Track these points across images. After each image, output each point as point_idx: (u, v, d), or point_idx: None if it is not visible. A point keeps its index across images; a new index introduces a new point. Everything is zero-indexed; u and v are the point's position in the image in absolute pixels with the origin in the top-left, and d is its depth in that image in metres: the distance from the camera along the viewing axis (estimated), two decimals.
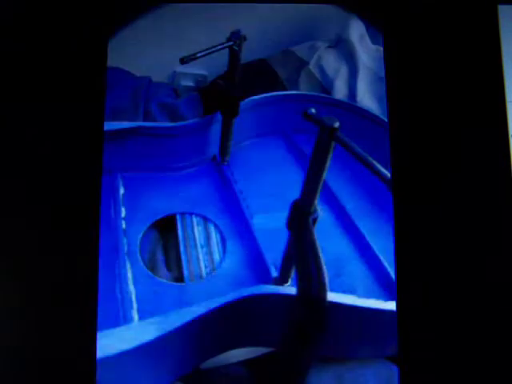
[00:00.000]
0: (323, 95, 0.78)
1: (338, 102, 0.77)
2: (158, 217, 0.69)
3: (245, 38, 0.68)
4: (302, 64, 0.80)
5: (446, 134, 0.64)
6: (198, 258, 0.66)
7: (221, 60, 0.70)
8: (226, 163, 0.78)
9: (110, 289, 0.59)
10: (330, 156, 0.47)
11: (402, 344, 0.57)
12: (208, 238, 0.68)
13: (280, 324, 0.53)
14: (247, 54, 0.71)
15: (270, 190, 0.74)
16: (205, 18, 0.73)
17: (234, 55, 0.68)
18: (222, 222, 0.70)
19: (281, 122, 0.82)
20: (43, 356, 0.57)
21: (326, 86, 0.78)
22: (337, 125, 0.45)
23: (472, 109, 0.64)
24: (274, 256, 0.63)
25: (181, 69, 0.76)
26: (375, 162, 0.44)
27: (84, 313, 0.57)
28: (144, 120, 0.75)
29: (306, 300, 0.48)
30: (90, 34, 0.65)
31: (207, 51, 0.66)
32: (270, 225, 0.67)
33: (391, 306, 0.57)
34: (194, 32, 0.74)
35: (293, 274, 0.59)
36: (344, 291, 0.61)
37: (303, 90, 0.79)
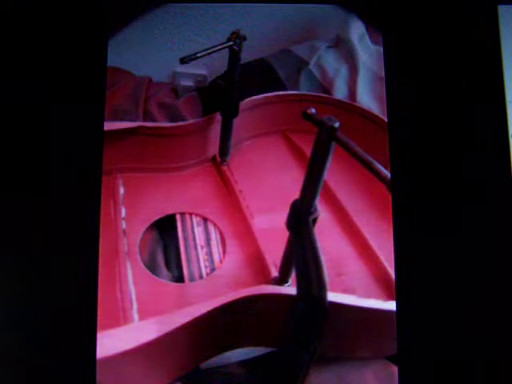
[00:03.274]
0: (323, 95, 0.78)
1: (338, 102, 0.77)
2: (158, 217, 0.69)
3: (245, 38, 0.68)
4: (302, 64, 0.80)
5: (446, 133, 0.64)
6: (198, 258, 0.66)
7: (221, 60, 0.70)
8: (225, 163, 0.78)
9: (109, 289, 0.59)
10: (330, 156, 0.47)
11: (402, 344, 0.57)
12: (208, 238, 0.68)
13: (280, 324, 0.53)
14: (247, 54, 0.71)
15: (269, 190, 0.74)
16: (204, 18, 0.73)
17: (234, 55, 0.68)
18: (222, 222, 0.70)
19: (281, 121, 0.82)
20: (43, 356, 0.57)
21: (326, 86, 0.78)
22: (337, 125, 0.45)
23: (472, 109, 0.64)
24: (274, 256, 0.63)
25: (181, 69, 0.76)
26: (375, 162, 0.44)
27: (84, 313, 0.57)
28: (144, 120, 0.75)
29: (306, 300, 0.48)
30: (90, 33, 0.65)
31: (207, 51, 0.66)
32: (270, 225, 0.67)
33: (391, 305, 0.57)
34: (193, 32, 0.74)
35: (293, 273, 0.59)
36: (344, 291, 0.61)
37: (303, 89, 0.79)
